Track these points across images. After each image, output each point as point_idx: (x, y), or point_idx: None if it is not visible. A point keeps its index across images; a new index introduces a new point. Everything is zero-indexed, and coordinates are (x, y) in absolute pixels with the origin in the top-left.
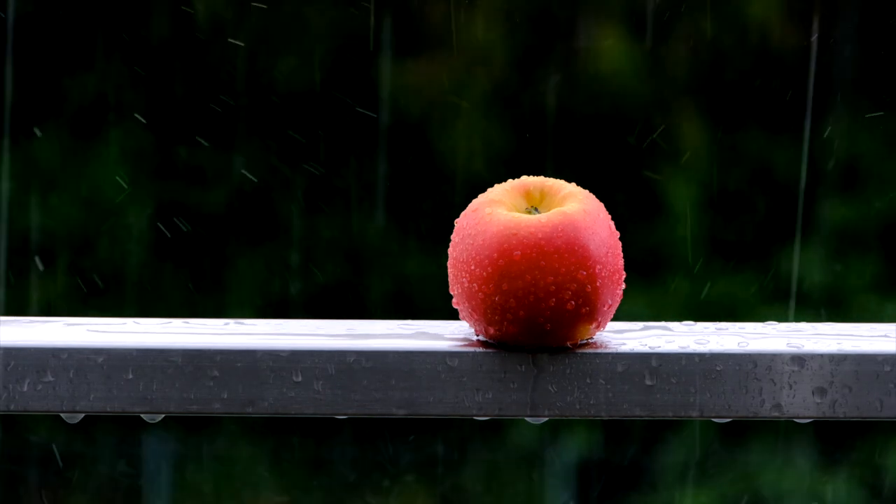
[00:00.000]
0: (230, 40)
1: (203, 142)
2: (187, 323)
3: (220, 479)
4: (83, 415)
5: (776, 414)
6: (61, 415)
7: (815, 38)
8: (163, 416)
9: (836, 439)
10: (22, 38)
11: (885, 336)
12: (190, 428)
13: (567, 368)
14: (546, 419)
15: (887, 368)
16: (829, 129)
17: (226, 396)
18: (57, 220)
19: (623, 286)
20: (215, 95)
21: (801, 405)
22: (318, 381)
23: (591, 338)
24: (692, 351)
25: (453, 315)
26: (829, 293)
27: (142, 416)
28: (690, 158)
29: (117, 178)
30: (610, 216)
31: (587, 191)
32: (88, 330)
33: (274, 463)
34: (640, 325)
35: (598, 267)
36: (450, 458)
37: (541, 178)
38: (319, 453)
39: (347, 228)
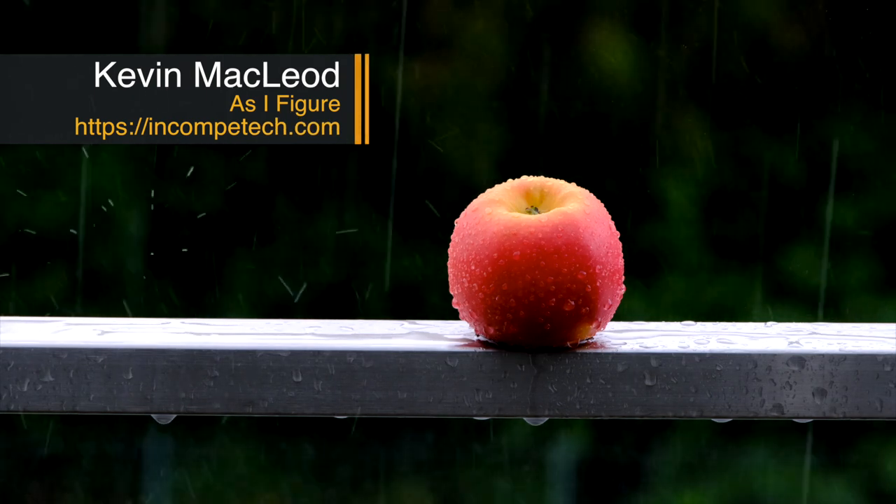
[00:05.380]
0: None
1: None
2: (187, 323)
3: (220, 479)
4: (174, 416)
5: (776, 414)
6: (153, 416)
7: (815, 37)
8: (174, 416)
9: (835, 439)
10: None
11: (885, 336)
12: (190, 428)
13: (567, 368)
14: (546, 419)
15: (887, 368)
16: (829, 129)
17: (226, 396)
18: (55, 221)
19: (623, 286)
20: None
21: (801, 405)
22: (318, 381)
23: (591, 338)
24: (692, 351)
25: (453, 315)
26: (828, 293)
27: (153, 416)
28: (690, 158)
29: (115, 177)
30: (610, 216)
31: (587, 191)
32: (88, 330)
33: (273, 463)
34: (640, 325)
35: (598, 267)
36: (449, 458)
37: (541, 178)
38: (318, 453)
39: (347, 228)
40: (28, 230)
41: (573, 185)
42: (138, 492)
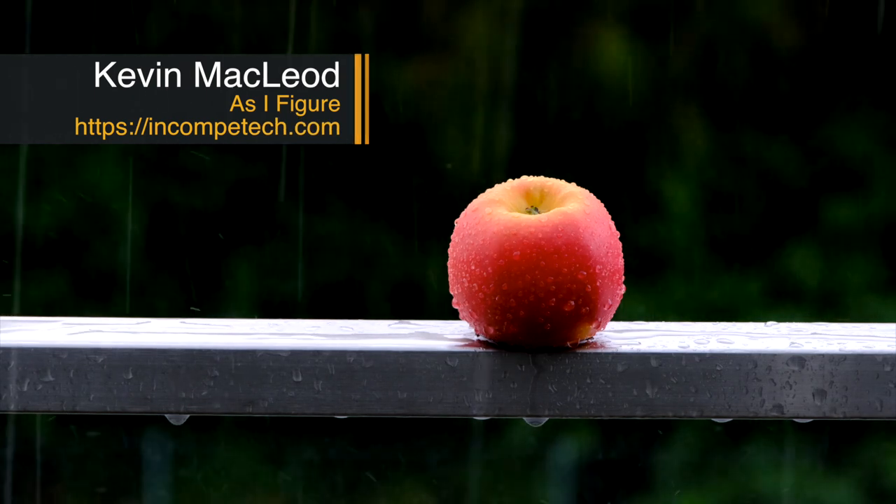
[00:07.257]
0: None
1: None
2: (187, 323)
3: (220, 479)
4: (188, 415)
5: (776, 414)
6: (166, 416)
7: (814, 37)
8: (188, 416)
9: (836, 439)
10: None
11: (885, 336)
12: (190, 428)
13: (567, 368)
14: (546, 420)
15: (887, 368)
16: (829, 129)
17: (226, 396)
18: (55, 220)
19: (623, 286)
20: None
21: (801, 405)
22: (318, 381)
23: (591, 338)
24: (692, 351)
25: (453, 315)
26: (828, 293)
27: (167, 417)
28: (690, 158)
29: (115, 177)
30: (610, 216)
31: (587, 191)
32: (88, 330)
33: (274, 463)
34: (640, 325)
35: (598, 267)
36: (450, 458)
37: (541, 178)
38: (319, 453)
39: (347, 228)
40: (28, 230)
41: (573, 185)
42: (138, 492)
